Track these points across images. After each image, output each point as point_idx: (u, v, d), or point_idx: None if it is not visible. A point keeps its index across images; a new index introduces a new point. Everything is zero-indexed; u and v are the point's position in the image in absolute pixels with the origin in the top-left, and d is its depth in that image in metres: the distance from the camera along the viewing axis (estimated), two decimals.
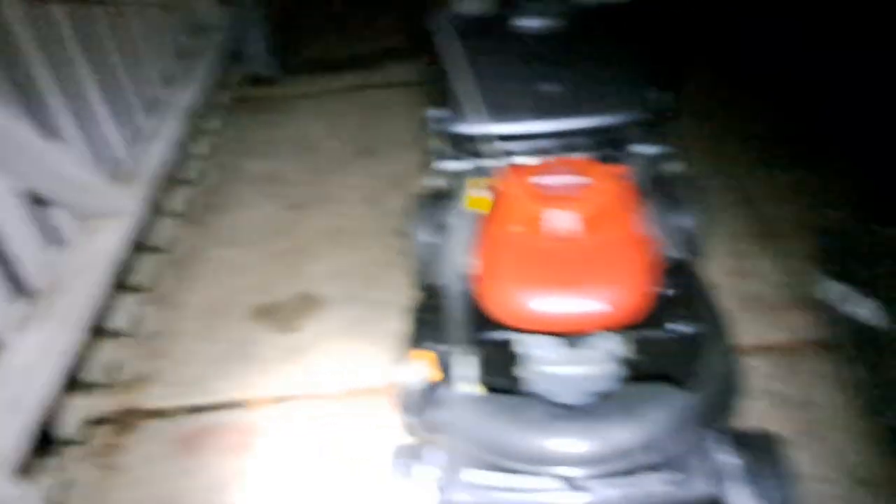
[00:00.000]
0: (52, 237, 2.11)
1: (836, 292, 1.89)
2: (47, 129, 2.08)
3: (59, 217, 2.15)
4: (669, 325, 1.39)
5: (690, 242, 1.97)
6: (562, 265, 1.39)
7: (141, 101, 2.71)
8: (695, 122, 2.99)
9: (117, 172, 2.43)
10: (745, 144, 2.85)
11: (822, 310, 1.98)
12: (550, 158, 1.69)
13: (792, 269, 2.23)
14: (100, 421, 2.04)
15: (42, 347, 1.81)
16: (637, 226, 1.45)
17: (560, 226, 1.42)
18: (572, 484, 1.46)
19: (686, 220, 2.02)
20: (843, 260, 1.90)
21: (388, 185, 2.85)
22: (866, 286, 1.75)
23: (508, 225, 1.47)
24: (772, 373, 1.92)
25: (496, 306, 1.40)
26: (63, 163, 2.06)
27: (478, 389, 1.55)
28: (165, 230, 2.68)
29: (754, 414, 1.82)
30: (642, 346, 1.41)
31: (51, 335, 1.85)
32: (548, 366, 1.42)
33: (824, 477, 1.68)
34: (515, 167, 1.67)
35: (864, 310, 1.75)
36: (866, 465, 1.69)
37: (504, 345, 1.43)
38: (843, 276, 1.87)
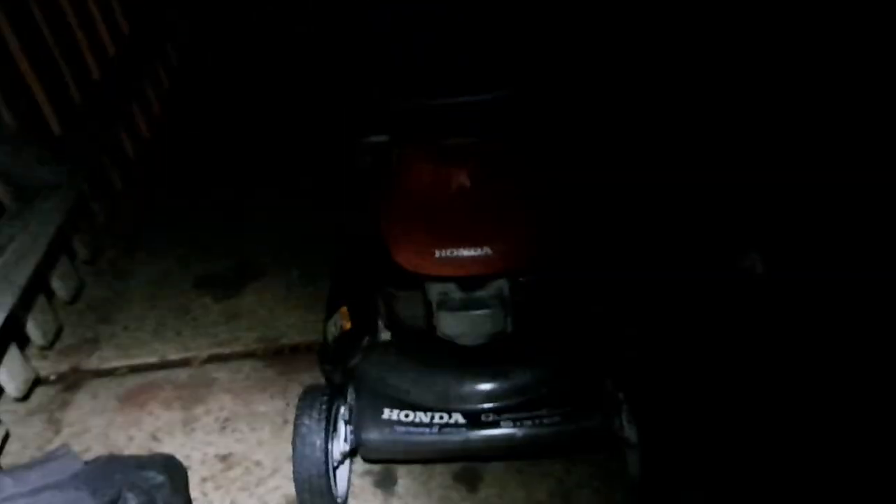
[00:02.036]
0: None
1: None
2: None
3: None
4: (559, 271, 1.54)
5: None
6: (458, 216, 1.52)
7: None
8: None
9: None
10: None
11: None
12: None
13: None
14: (43, 381, 2.14)
15: None
16: (526, 182, 1.58)
17: (455, 182, 1.55)
18: (476, 419, 1.59)
19: None
20: None
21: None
22: None
23: (411, 182, 1.60)
24: None
25: (400, 256, 1.54)
26: None
27: (387, 335, 1.68)
28: (106, 207, 2.77)
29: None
30: (534, 289, 1.56)
31: None
32: (447, 310, 1.56)
33: None
34: (418, 134, 1.80)
35: None
36: None
37: (409, 292, 1.56)
38: None
